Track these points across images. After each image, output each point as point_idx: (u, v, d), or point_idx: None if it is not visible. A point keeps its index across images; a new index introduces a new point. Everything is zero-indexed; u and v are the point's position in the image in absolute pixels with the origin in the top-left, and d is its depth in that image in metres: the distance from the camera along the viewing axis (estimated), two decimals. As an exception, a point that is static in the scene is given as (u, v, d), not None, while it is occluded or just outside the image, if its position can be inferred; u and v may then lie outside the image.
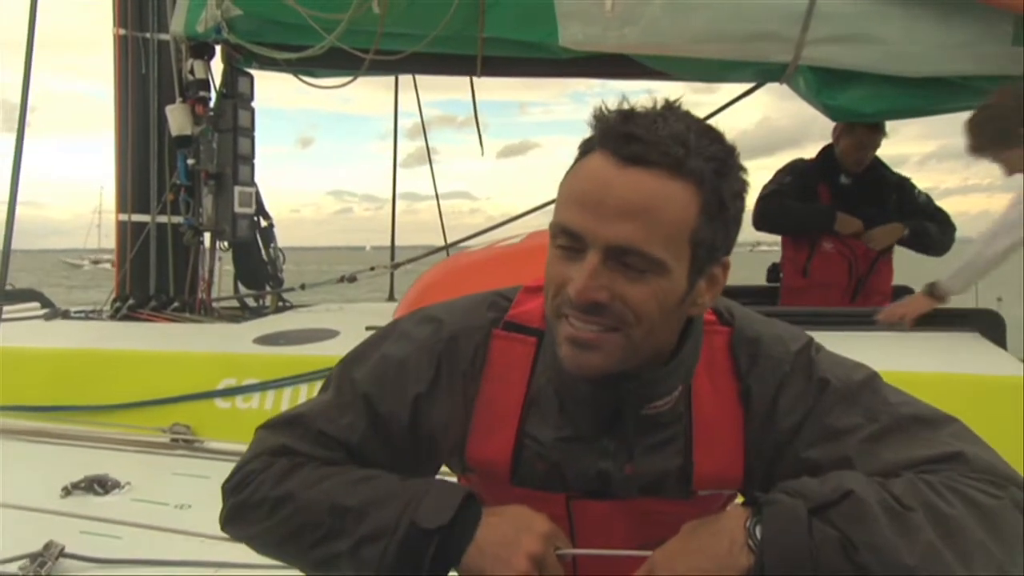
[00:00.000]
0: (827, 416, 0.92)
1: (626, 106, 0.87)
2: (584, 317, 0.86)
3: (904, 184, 3.61)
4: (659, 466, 0.96)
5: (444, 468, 1.08)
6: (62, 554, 1.95)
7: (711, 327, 0.98)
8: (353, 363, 1.03)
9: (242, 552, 1.99)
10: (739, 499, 1.03)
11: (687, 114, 0.87)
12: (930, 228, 3.47)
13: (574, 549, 0.92)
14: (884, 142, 3.52)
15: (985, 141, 2.78)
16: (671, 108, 0.87)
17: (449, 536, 0.87)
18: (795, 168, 3.62)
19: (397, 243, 5.14)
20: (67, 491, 2.35)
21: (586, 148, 0.88)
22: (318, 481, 0.93)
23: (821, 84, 3.26)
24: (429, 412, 0.98)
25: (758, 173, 3.74)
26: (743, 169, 0.88)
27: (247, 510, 0.95)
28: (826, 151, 3.61)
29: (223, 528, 0.99)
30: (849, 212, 3.42)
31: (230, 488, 0.98)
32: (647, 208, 0.83)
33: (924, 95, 3.17)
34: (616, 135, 0.84)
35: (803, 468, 0.90)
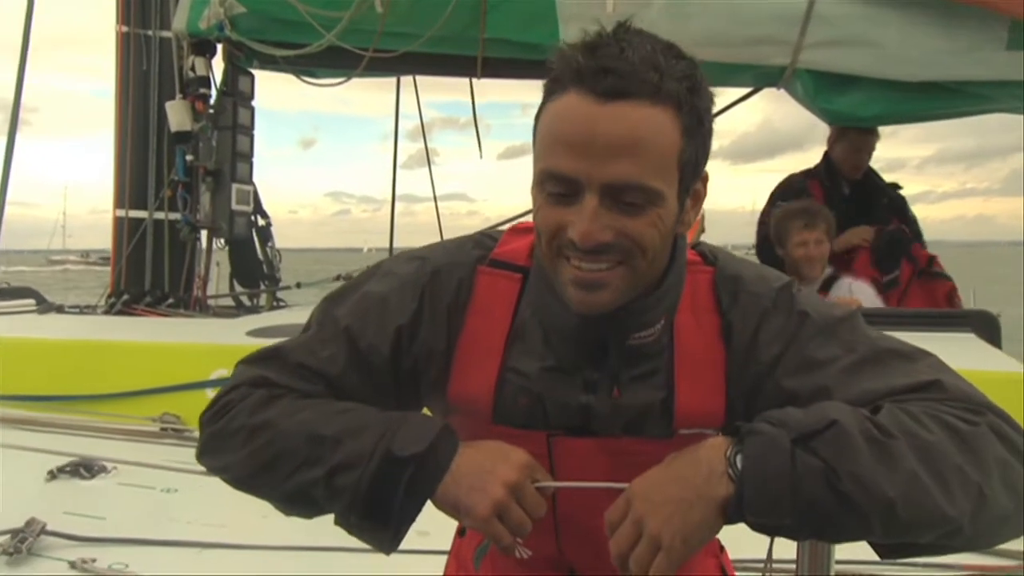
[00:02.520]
0: (806, 347, 0.91)
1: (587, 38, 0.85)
2: (591, 258, 0.85)
3: (888, 191, 3.62)
4: (643, 398, 0.95)
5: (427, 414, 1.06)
6: (43, 531, 1.93)
7: (695, 267, 0.98)
8: (335, 301, 1.01)
9: (226, 533, 2.00)
10: None
11: (647, 33, 0.86)
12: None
13: (553, 482, 0.90)
14: (880, 146, 3.53)
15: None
16: (629, 30, 0.85)
17: (424, 465, 0.86)
18: (791, 187, 3.58)
19: (395, 245, 5.16)
20: (52, 475, 2.34)
21: (554, 88, 0.86)
22: (296, 411, 0.92)
23: (818, 88, 3.29)
24: (411, 344, 0.97)
25: (760, 175, 3.78)
26: (707, 79, 0.88)
27: (223, 439, 0.93)
28: (827, 157, 3.60)
29: (199, 459, 0.97)
30: (848, 221, 3.39)
31: (207, 418, 0.96)
32: (637, 141, 0.82)
33: (920, 99, 3.20)
34: (589, 71, 0.82)
35: (783, 398, 0.89)
